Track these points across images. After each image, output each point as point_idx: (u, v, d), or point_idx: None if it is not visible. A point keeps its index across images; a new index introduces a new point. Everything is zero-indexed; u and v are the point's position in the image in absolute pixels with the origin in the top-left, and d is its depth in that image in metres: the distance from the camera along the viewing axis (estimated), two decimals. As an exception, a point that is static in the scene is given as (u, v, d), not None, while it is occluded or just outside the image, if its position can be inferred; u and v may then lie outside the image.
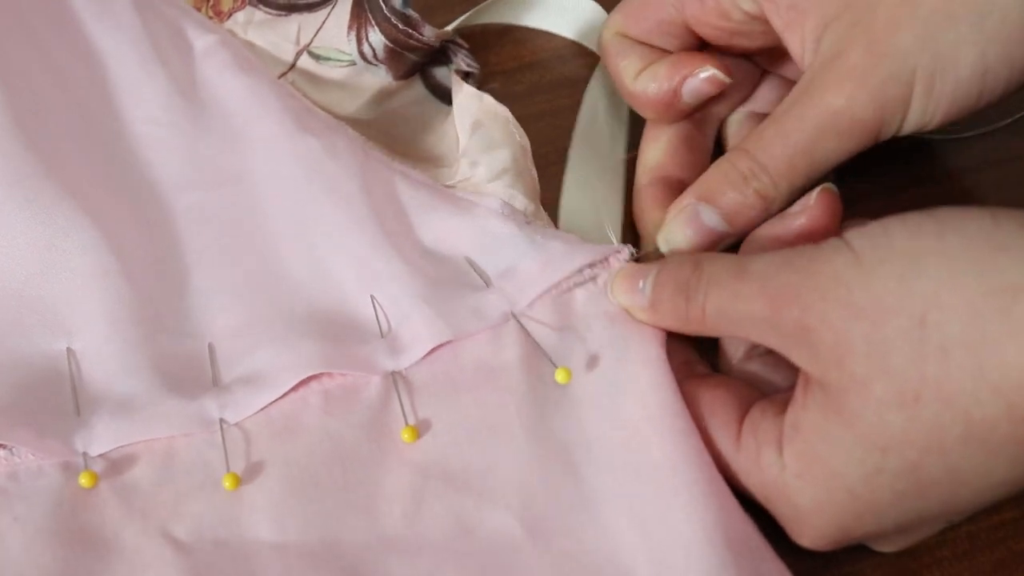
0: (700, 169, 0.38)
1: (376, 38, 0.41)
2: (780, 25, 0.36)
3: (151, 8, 0.44)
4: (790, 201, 0.35)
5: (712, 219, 0.35)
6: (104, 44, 0.43)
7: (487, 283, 0.36)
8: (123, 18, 0.43)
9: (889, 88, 0.33)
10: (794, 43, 0.36)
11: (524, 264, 0.36)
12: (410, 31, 0.41)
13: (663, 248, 0.36)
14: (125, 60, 0.42)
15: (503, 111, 0.41)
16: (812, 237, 0.34)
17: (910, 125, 0.34)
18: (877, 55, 0.33)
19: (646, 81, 0.39)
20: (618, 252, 0.37)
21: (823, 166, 0.35)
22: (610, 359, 0.34)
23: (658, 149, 0.39)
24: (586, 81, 0.45)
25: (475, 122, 0.40)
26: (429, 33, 0.42)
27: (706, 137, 0.40)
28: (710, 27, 0.38)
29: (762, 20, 0.37)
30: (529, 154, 0.41)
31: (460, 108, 0.41)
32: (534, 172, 0.40)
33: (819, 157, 0.35)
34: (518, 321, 0.35)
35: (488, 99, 0.41)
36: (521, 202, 0.39)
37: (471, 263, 0.37)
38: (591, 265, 0.36)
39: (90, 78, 0.42)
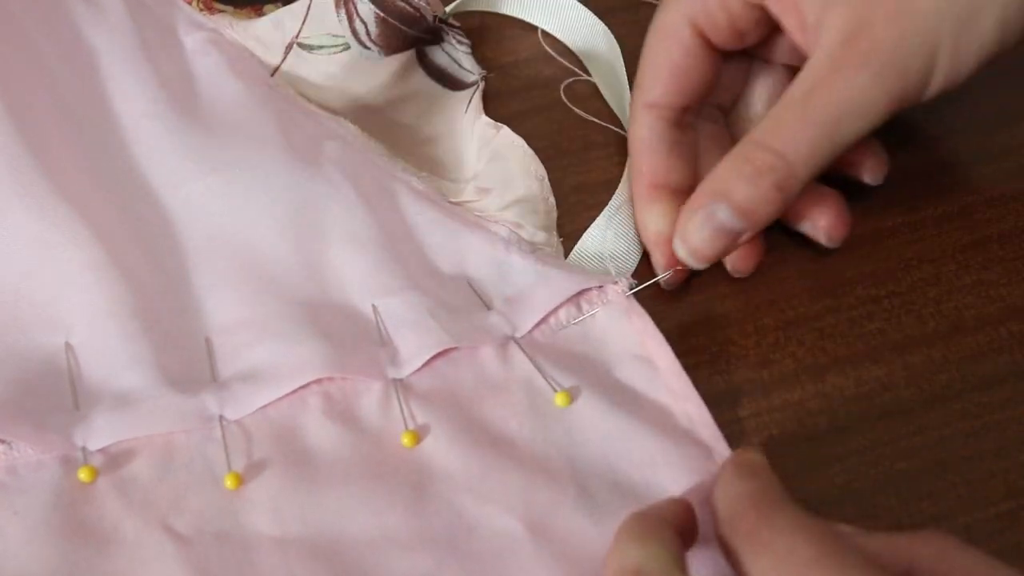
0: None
1: (365, 8, 0.41)
2: (778, 10, 0.36)
3: (141, 6, 0.44)
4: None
5: (728, 217, 0.34)
6: (95, 42, 0.43)
7: (488, 306, 0.37)
8: (113, 17, 0.43)
9: (914, 60, 0.33)
10: (793, 26, 0.35)
11: (525, 291, 0.37)
12: None
13: (679, 251, 0.35)
14: (116, 58, 0.42)
15: (520, 143, 0.42)
16: None
17: (934, 90, 0.34)
18: (900, 27, 0.33)
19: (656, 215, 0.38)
20: (615, 283, 0.37)
21: (845, 148, 0.34)
22: (608, 384, 0.35)
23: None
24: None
25: (493, 152, 0.41)
26: None
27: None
28: (716, 28, 0.37)
29: (759, 7, 0.36)
30: (546, 184, 0.41)
31: (477, 137, 0.42)
32: (551, 201, 0.41)
33: (841, 139, 0.34)
34: (519, 344, 0.35)
35: (506, 130, 0.42)
36: (529, 232, 0.39)
37: (472, 286, 0.37)
38: (587, 292, 0.36)
39: (82, 76, 0.42)
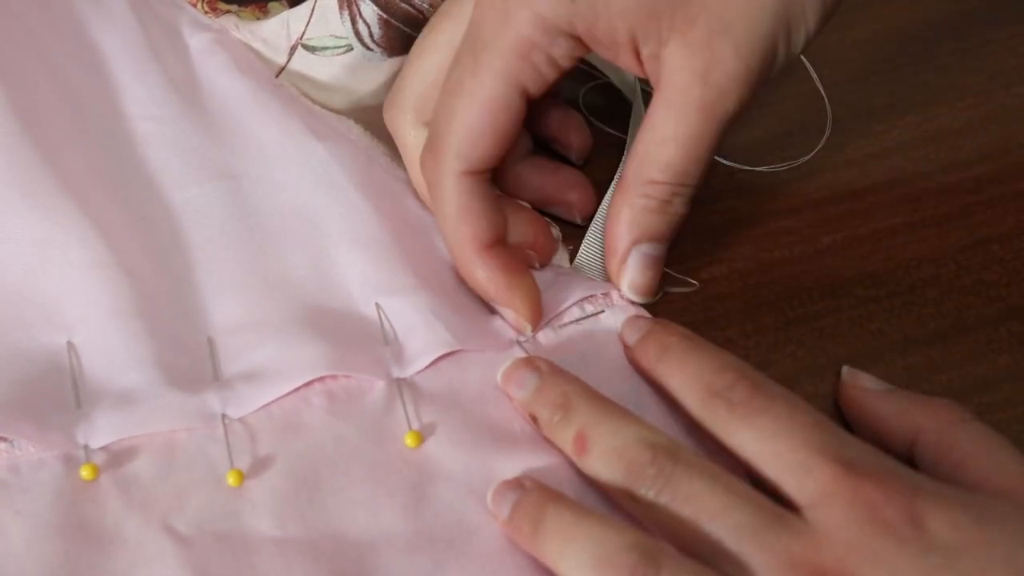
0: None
1: (369, 11, 0.41)
2: (611, 55, 0.35)
3: (147, 8, 0.44)
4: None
5: (654, 249, 0.36)
6: (101, 43, 0.43)
7: (490, 309, 0.37)
8: (119, 18, 0.43)
9: (765, 43, 0.33)
10: (630, 64, 0.35)
11: None
12: None
13: (630, 296, 0.37)
14: (121, 59, 0.42)
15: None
16: None
17: (779, 67, 0.35)
18: (727, 22, 0.33)
19: (482, 275, 0.36)
20: (619, 289, 0.37)
21: (723, 135, 0.35)
22: (616, 383, 0.35)
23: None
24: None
25: None
26: None
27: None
28: (544, 84, 0.36)
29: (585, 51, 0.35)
30: None
31: None
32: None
33: (716, 134, 0.35)
34: (523, 348, 0.36)
35: None
36: None
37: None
38: (592, 297, 0.37)
39: (87, 77, 0.42)
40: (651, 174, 0.35)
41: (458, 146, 0.35)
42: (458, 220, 0.36)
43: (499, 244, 0.37)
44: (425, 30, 0.39)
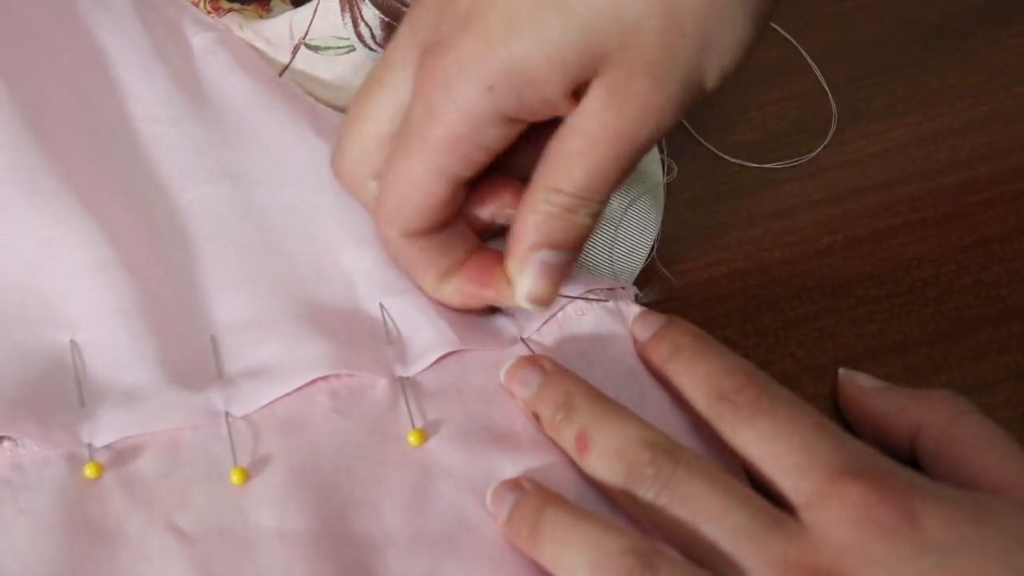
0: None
1: (370, 13, 0.41)
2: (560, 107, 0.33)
3: (151, 8, 0.44)
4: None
5: (559, 257, 0.34)
6: (105, 44, 0.43)
7: (493, 309, 0.37)
8: (123, 19, 0.43)
9: (679, 73, 0.31)
10: (566, 110, 0.33)
11: None
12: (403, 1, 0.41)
13: (524, 305, 0.35)
14: (126, 59, 0.42)
15: None
16: None
17: (713, 82, 0.32)
18: (647, 61, 0.31)
19: (451, 292, 0.36)
20: (623, 287, 0.37)
21: (637, 158, 0.33)
22: (618, 382, 0.35)
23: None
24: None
25: None
26: None
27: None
28: (476, 167, 0.34)
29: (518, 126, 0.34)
30: None
31: None
32: None
33: (629, 158, 0.33)
34: (526, 344, 0.36)
35: None
36: None
37: None
38: (597, 290, 0.37)
39: (93, 77, 0.42)
40: (557, 183, 0.33)
41: (389, 216, 0.35)
42: (411, 269, 0.36)
43: (460, 267, 0.36)
44: (358, 94, 0.37)
